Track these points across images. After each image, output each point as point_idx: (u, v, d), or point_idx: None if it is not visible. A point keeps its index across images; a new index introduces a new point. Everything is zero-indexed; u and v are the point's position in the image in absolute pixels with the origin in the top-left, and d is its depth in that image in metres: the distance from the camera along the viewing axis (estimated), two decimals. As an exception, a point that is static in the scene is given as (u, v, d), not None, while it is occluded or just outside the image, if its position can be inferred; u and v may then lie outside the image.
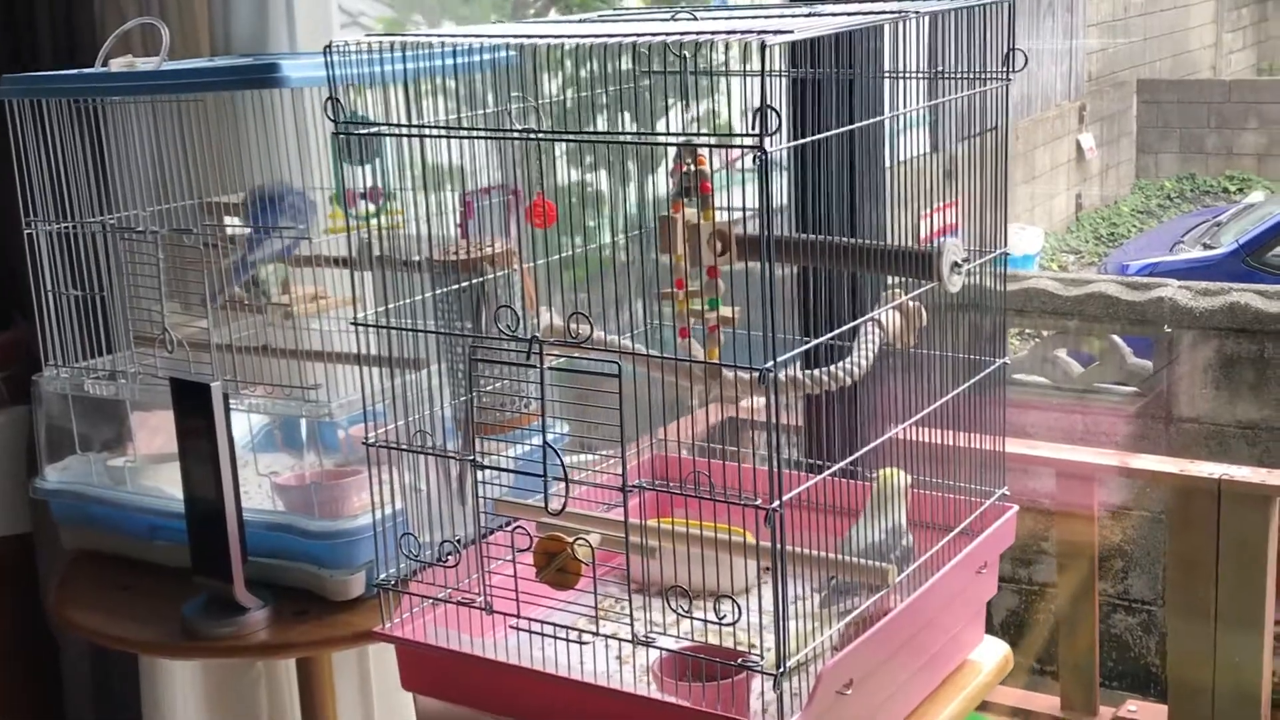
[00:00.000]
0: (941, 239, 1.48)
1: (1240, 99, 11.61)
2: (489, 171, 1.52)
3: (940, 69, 1.53)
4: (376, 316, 1.49)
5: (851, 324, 1.47)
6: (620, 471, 1.36)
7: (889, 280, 1.54)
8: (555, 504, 1.38)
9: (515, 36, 1.41)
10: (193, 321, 1.90)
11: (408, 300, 1.51)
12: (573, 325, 1.37)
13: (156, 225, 1.93)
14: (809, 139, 1.33)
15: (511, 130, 1.47)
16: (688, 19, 1.44)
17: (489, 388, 1.50)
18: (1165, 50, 12.30)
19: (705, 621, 1.33)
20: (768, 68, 1.19)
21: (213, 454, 1.68)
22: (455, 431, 1.55)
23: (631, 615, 1.37)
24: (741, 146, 1.22)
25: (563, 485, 1.37)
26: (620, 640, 1.40)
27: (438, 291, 1.53)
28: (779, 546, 1.29)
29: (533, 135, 1.42)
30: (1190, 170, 11.84)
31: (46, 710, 2.62)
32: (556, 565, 1.38)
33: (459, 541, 1.49)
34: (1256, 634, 2.66)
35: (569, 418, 1.45)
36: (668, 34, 1.29)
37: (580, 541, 1.38)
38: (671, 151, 1.43)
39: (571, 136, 1.41)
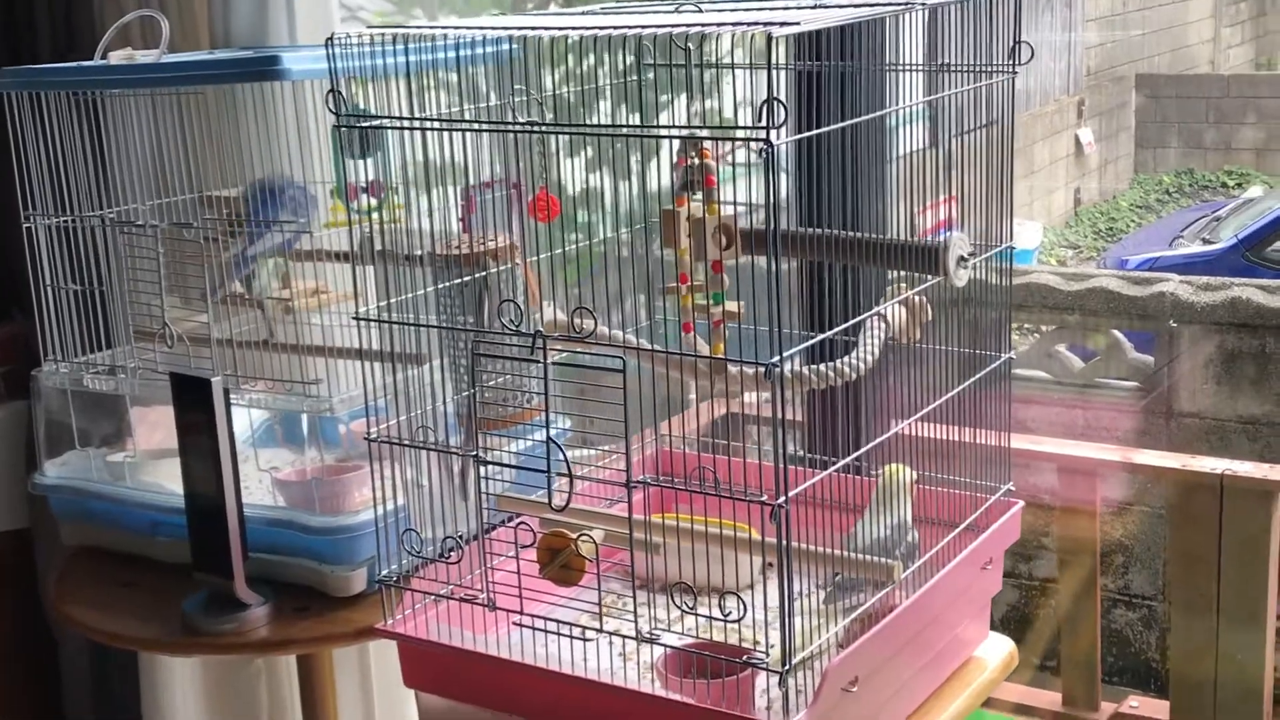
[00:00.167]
0: (948, 233, 1.47)
1: (1239, 94, 11.62)
2: (491, 165, 1.51)
3: (946, 62, 1.52)
4: (378, 311, 1.48)
5: (857, 319, 1.46)
6: (623, 467, 1.36)
7: (891, 274, 1.53)
8: (559, 500, 1.37)
9: (517, 29, 1.40)
10: (193, 316, 1.89)
11: (409, 295, 1.50)
12: (576, 320, 1.36)
13: (156, 219, 1.92)
14: (815, 132, 1.32)
15: (514, 123, 1.46)
16: (692, 11, 1.42)
17: (491, 383, 1.49)
18: (1164, 45, 12.30)
19: (710, 619, 1.32)
20: (774, 60, 1.18)
21: (213, 449, 1.67)
22: (458, 427, 1.54)
23: (635, 612, 1.36)
24: (747, 140, 1.20)
25: (566, 481, 1.36)
26: (624, 637, 1.39)
27: (439, 286, 1.52)
28: (784, 543, 1.28)
29: (535, 128, 1.41)
30: (1189, 165, 11.84)
31: (45, 707, 2.61)
32: (560, 562, 1.37)
33: (461, 537, 1.48)
34: (1259, 629, 2.66)
35: (572, 413, 1.44)
36: (673, 25, 1.28)
37: (584, 538, 1.37)
38: (673, 144, 1.42)
39: (574, 129, 1.40)
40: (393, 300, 1.49)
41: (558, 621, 1.40)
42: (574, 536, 1.37)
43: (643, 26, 1.30)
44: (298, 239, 1.86)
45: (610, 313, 1.46)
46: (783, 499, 1.26)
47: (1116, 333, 4.65)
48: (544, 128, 1.41)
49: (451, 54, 1.48)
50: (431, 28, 1.46)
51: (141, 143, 1.92)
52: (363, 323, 1.48)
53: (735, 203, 1.40)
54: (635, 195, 1.56)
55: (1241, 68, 13.04)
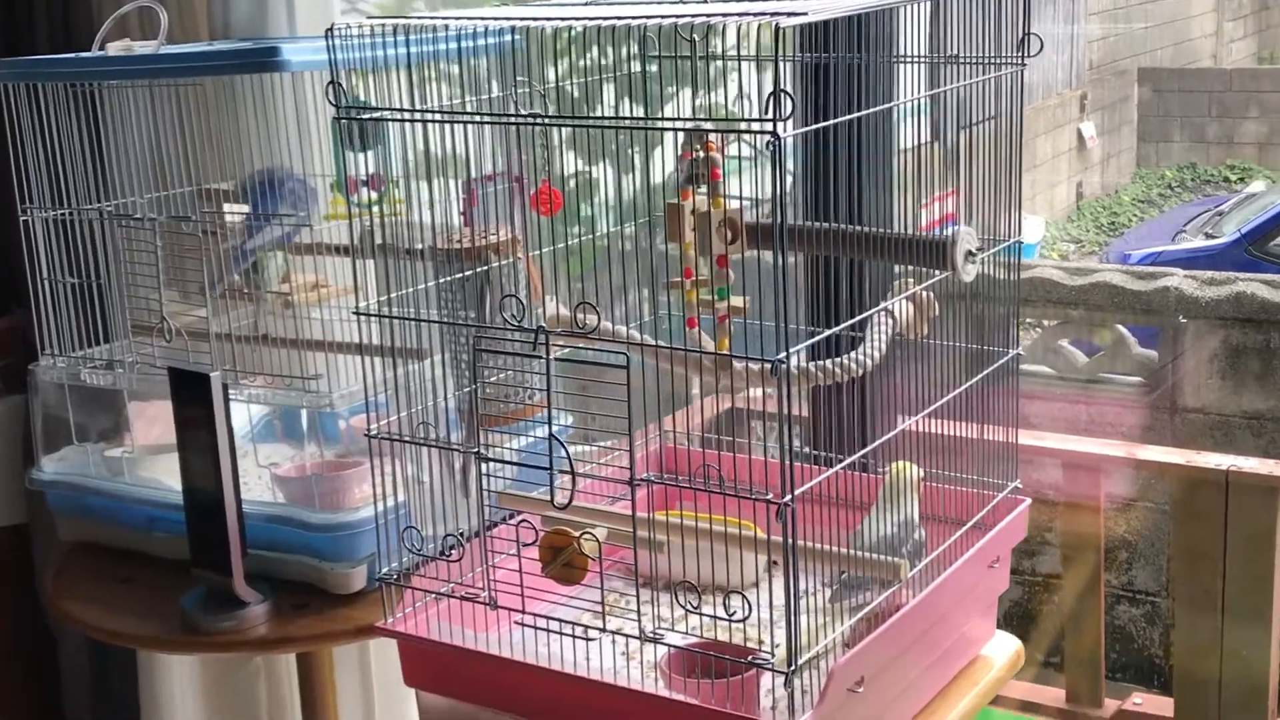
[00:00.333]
0: (955, 227, 1.45)
1: (1241, 88, 11.60)
2: (493, 158, 1.49)
3: (954, 53, 1.50)
4: (378, 306, 1.46)
5: (864, 315, 1.44)
6: (625, 464, 1.34)
7: (897, 269, 1.51)
8: (561, 498, 1.35)
9: (520, 20, 1.38)
10: (191, 310, 1.87)
11: (410, 289, 1.48)
12: (579, 315, 1.34)
13: (154, 212, 1.90)
14: (823, 124, 1.30)
15: (516, 115, 1.44)
16: (697, 1, 1.41)
17: (492, 379, 1.48)
18: (1166, 38, 12.28)
19: (715, 618, 1.30)
20: (781, 51, 1.16)
21: (212, 445, 1.66)
22: (459, 423, 1.52)
23: (639, 611, 1.35)
24: (754, 131, 1.19)
25: (568, 478, 1.35)
26: (627, 637, 1.38)
27: (441, 281, 1.50)
28: (790, 542, 1.27)
29: (538, 120, 1.39)
30: (1191, 159, 11.82)
31: (44, 704, 2.60)
32: (562, 560, 1.35)
33: (462, 535, 1.47)
34: (1264, 626, 2.65)
35: (574, 409, 1.43)
36: (678, 16, 1.26)
37: (587, 536, 1.35)
38: (677, 137, 1.40)
39: (578, 121, 1.38)
40: (393, 295, 1.47)
41: (560, 620, 1.38)
42: (577, 535, 1.35)
43: (647, 17, 1.28)
44: (297, 232, 1.84)
45: (613, 308, 1.45)
46: (788, 497, 1.24)
47: (1120, 328, 4.63)
48: (546, 120, 1.39)
49: (453, 45, 1.46)
50: (433, 18, 1.44)
51: (139, 134, 1.90)
52: (363, 317, 1.47)
53: (741, 197, 1.38)
54: (639, 188, 1.54)
55: (1244, 62, 13.02)
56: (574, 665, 1.37)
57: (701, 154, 1.40)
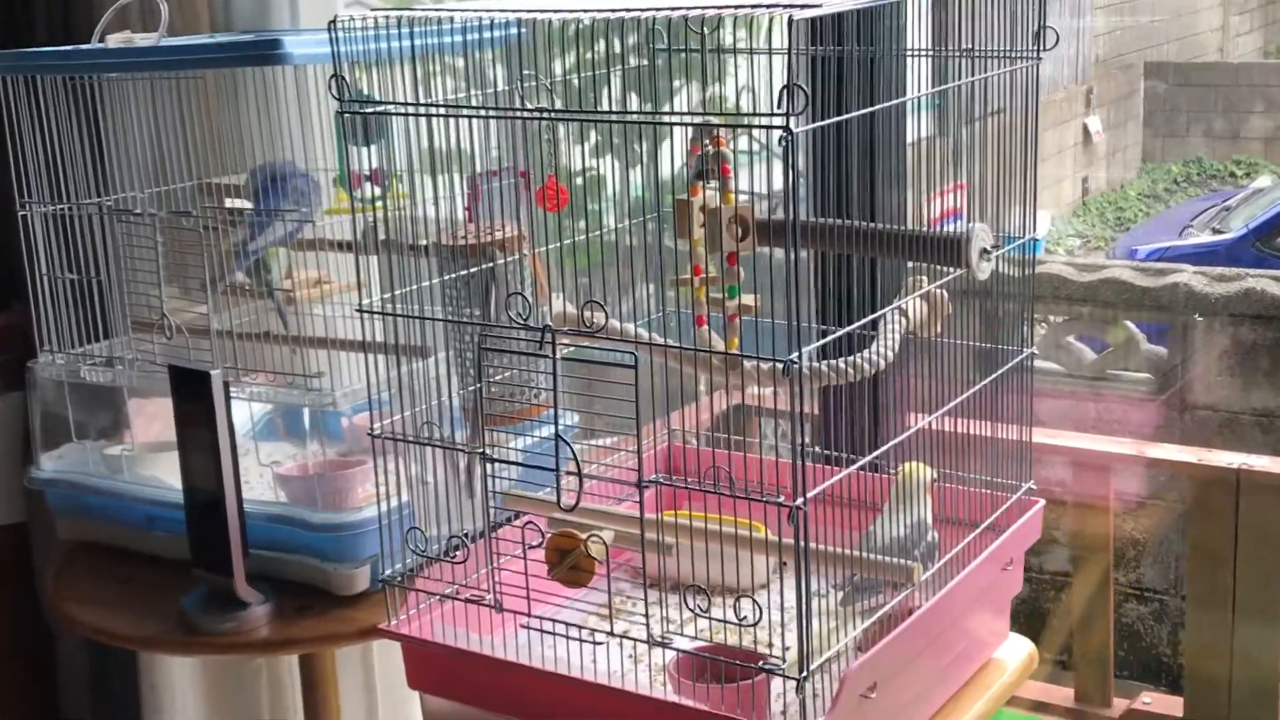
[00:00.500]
0: (970, 225, 1.42)
1: (1248, 82, 11.57)
2: (500, 153, 1.46)
3: (967, 47, 1.47)
4: (382, 303, 1.44)
5: (877, 314, 1.41)
6: (631, 464, 1.31)
7: (909, 266, 1.48)
8: (568, 499, 1.32)
9: (525, 12, 1.36)
10: (192, 307, 1.85)
11: (414, 287, 1.46)
12: (587, 313, 1.32)
13: (155, 207, 1.88)
14: (837, 119, 1.27)
15: (523, 110, 1.41)
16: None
17: (497, 377, 1.46)
18: (1173, 33, 12.24)
19: (725, 622, 1.27)
20: (794, 44, 1.13)
21: (212, 444, 1.63)
22: (463, 421, 1.50)
23: (647, 615, 1.32)
24: (766, 126, 1.16)
25: (575, 479, 1.32)
26: (635, 641, 1.35)
27: (445, 278, 1.48)
28: (803, 544, 1.24)
29: (545, 115, 1.36)
30: (1197, 154, 11.79)
31: (43, 703, 2.58)
32: (569, 563, 1.33)
33: (467, 536, 1.44)
34: (1275, 626, 2.63)
35: (581, 409, 1.40)
36: (687, 9, 1.24)
37: (594, 539, 1.33)
38: (686, 132, 1.38)
39: (586, 116, 1.36)
40: (397, 292, 1.45)
41: (566, 624, 1.36)
42: (584, 537, 1.33)
43: (655, 10, 1.25)
44: (300, 229, 1.82)
45: (621, 305, 1.42)
46: (801, 500, 1.22)
47: (1129, 324, 4.61)
48: (553, 115, 1.36)
49: (458, 38, 1.44)
50: (437, 11, 1.42)
51: (140, 128, 1.88)
52: (366, 315, 1.44)
53: (753, 193, 1.36)
54: (645, 183, 1.51)
55: (1251, 56, 12.98)
56: (580, 669, 1.35)
57: (711, 149, 1.37)
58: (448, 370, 1.49)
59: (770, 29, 1.43)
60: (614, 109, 1.49)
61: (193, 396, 1.65)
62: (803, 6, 1.15)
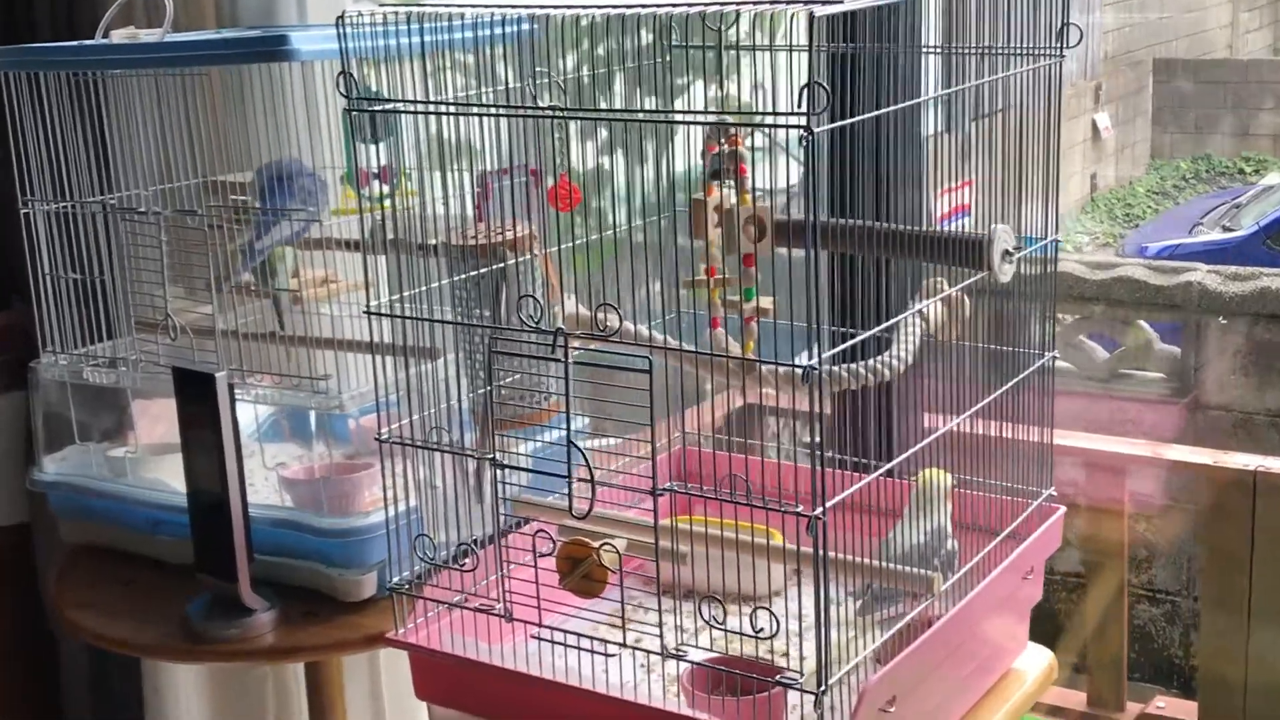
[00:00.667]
0: (992, 226, 1.39)
1: (1257, 79, 11.52)
2: (513, 151, 1.43)
3: (990, 44, 1.44)
4: (390, 304, 1.41)
5: (897, 317, 1.38)
6: (645, 471, 1.28)
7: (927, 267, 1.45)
8: (580, 506, 1.29)
9: (537, 8, 1.33)
10: (196, 307, 1.82)
11: (423, 288, 1.43)
12: (600, 316, 1.28)
13: (159, 205, 1.85)
14: (858, 118, 1.24)
15: (535, 107, 1.38)
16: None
17: (506, 380, 1.43)
18: (1182, 29, 12.20)
19: (741, 635, 1.24)
20: (815, 41, 1.10)
21: (217, 447, 1.60)
22: (472, 424, 1.47)
23: (661, 627, 1.29)
24: (786, 125, 1.13)
25: (588, 486, 1.29)
26: (648, 652, 1.32)
27: (455, 278, 1.45)
28: (821, 554, 1.21)
29: (558, 113, 1.33)
30: (1206, 151, 11.74)
31: (44, 704, 2.56)
32: (581, 572, 1.30)
33: (476, 542, 1.41)
34: (1292, 630, 2.60)
35: (593, 415, 1.37)
36: (704, 5, 1.21)
37: (606, 547, 1.30)
38: (701, 130, 1.35)
39: (601, 115, 1.33)
40: (405, 293, 1.42)
41: (578, 635, 1.33)
42: (596, 546, 1.29)
43: (672, 5, 1.22)
44: (307, 228, 1.79)
45: (636, 308, 1.39)
46: (820, 510, 1.19)
47: (1143, 323, 4.58)
48: (566, 113, 1.33)
49: (468, 34, 1.41)
50: (447, 6, 1.39)
51: (144, 125, 1.85)
52: (373, 316, 1.42)
53: (771, 190, 1.33)
54: (661, 183, 1.48)
55: (1260, 53, 12.92)
56: (592, 680, 1.32)
57: (727, 148, 1.34)
58: (457, 372, 1.46)
59: (788, 26, 1.40)
60: (626, 106, 1.46)
61: (197, 398, 1.62)
62: (824, 2, 1.12)
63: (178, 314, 1.80)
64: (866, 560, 1.35)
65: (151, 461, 1.87)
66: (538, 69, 1.39)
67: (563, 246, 1.46)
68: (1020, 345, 1.51)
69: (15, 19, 2.35)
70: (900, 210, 1.69)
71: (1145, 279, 4.44)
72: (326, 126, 1.72)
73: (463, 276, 1.45)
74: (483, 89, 1.43)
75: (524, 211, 1.50)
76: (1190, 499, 3.99)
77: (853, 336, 1.32)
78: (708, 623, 1.26)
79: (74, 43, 1.95)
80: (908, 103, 1.33)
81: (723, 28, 1.32)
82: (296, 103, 1.71)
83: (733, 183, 1.35)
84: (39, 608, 2.41)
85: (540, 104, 1.37)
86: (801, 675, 1.25)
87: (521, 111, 1.40)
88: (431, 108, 1.38)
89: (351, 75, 1.37)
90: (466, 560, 1.41)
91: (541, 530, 1.33)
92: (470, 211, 1.48)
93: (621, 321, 1.29)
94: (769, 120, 1.20)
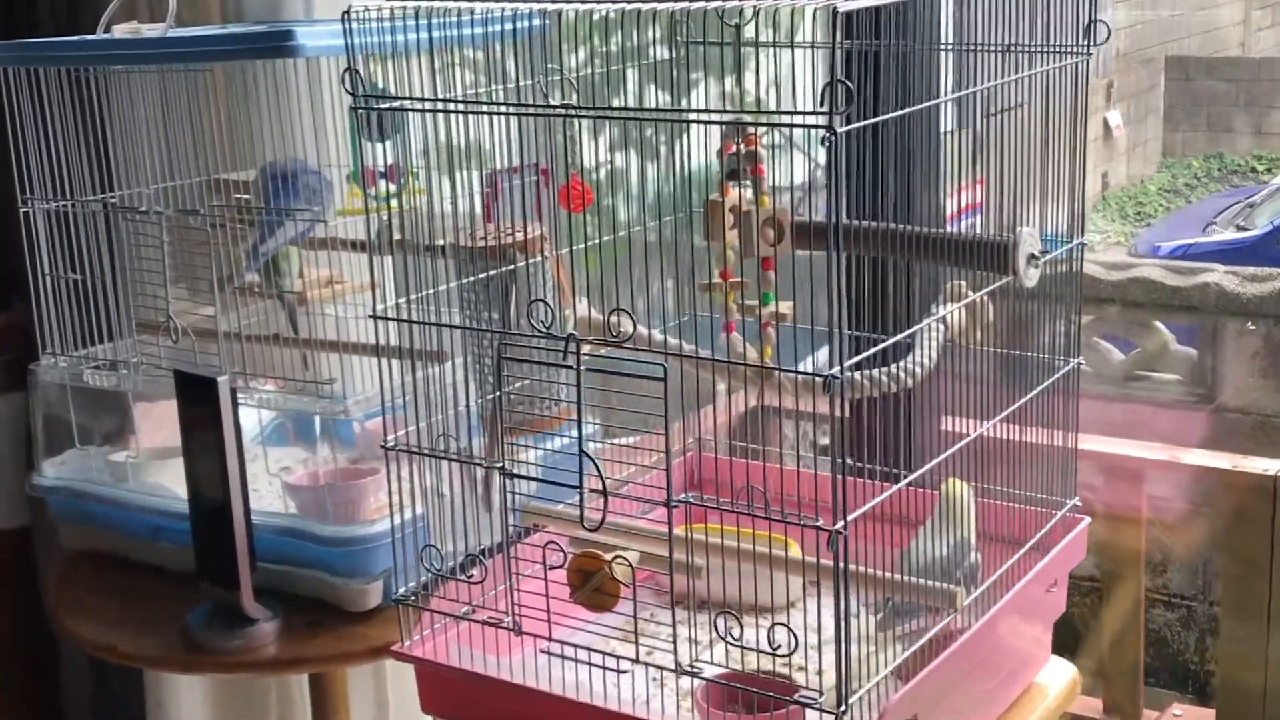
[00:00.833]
0: (1018, 228, 1.35)
1: (1269, 77, 11.48)
2: (523, 150, 1.39)
3: (1010, 43, 1.40)
4: (397, 308, 1.37)
5: (921, 324, 1.34)
6: (658, 481, 1.25)
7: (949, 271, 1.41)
8: (593, 517, 1.25)
9: (549, 3, 1.29)
10: (198, 308, 1.78)
11: (430, 291, 1.39)
12: (613, 321, 1.24)
13: (161, 205, 1.81)
14: (883, 118, 1.20)
15: (546, 106, 1.34)
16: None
17: (515, 385, 1.39)
18: (1194, 26, 12.15)
19: (758, 652, 1.20)
20: (838, 38, 1.06)
21: (219, 452, 1.57)
22: (480, 429, 1.43)
23: (675, 643, 1.25)
24: (806, 125, 1.09)
25: (599, 496, 1.25)
26: (662, 669, 1.28)
27: (463, 281, 1.41)
28: (842, 566, 1.17)
29: (570, 111, 1.29)
30: (1218, 149, 11.70)
31: (45, 705, 2.54)
32: (593, 586, 1.26)
33: (484, 552, 1.38)
34: (1312, 637, 2.56)
35: (603, 423, 1.34)
36: (722, 1, 1.17)
37: (619, 560, 1.26)
38: (719, 129, 1.31)
39: (613, 113, 1.29)
40: (412, 296, 1.38)
41: (589, 649, 1.29)
42: (608, 559, 1.25)
43: (688, 1, 1.18)
44: (312, 229, 1.75)
45: (651, 312, 1.35)
46: (841, 524, 1.15)
47: (1158, 324, 4.53)
48: (578, 111, 1.29)
49: (477, 30, 1.37)
50: (455, 2, 1.35)
51: (146, 123, 1.82)
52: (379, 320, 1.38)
53: (792, 191, 1.29)
54: (675, 184, 1.44)
55: (1272, 51, 12.87)
56: (603, 696, 1.28)
57: (743, 149, 1.30)
58: (465, 376, 1.42)
59: (808, 21, 1.36)
60: (638, 104, 1.42)
61: (199, 402, 1.58)
62: (847, -2, 1.08)
63: (180, 315, 1.77)
64: (887, 574, 1.31)
65: (153, 466, 1.84)
66: (550, 66, 1.35)
67: (574, 248, 1.43)
68: (1042, 351, 1.47)
69: (15, 19, 2.32)
70: (919, 212, 1.65)
71: (1162, 280, 4.39)
72: (332, 124, 1.69)
73: (471, 279, 1.42)
74: (492, 86, 1.39)
75: (534, 212, 1.46)
76: (1208, 504, 3.95)
77: (868, 341, 1.28)
78: (723, 638, 1.22)
79: (75, 38, 1.91)
80: (932, 101, 1.28)
81: (740, 24, 1.28)
82: (302, 100, 1.67)
83: (750, 184, 1.31)
84: (39, 609, 2.38)
85: (551, 102, 1.33)
86: (820, 693, 1.21)
87: (532, 109, 1.36)
88: (439, 105, 1.35)
89: (358, 72, 1.33)
90: (474, 571, 1.37)
91: (551, 541, 1.29)
92: (479, 212, 1.44)
93: (635, 327, 1.25)
94: (789, 120, 1.15)
